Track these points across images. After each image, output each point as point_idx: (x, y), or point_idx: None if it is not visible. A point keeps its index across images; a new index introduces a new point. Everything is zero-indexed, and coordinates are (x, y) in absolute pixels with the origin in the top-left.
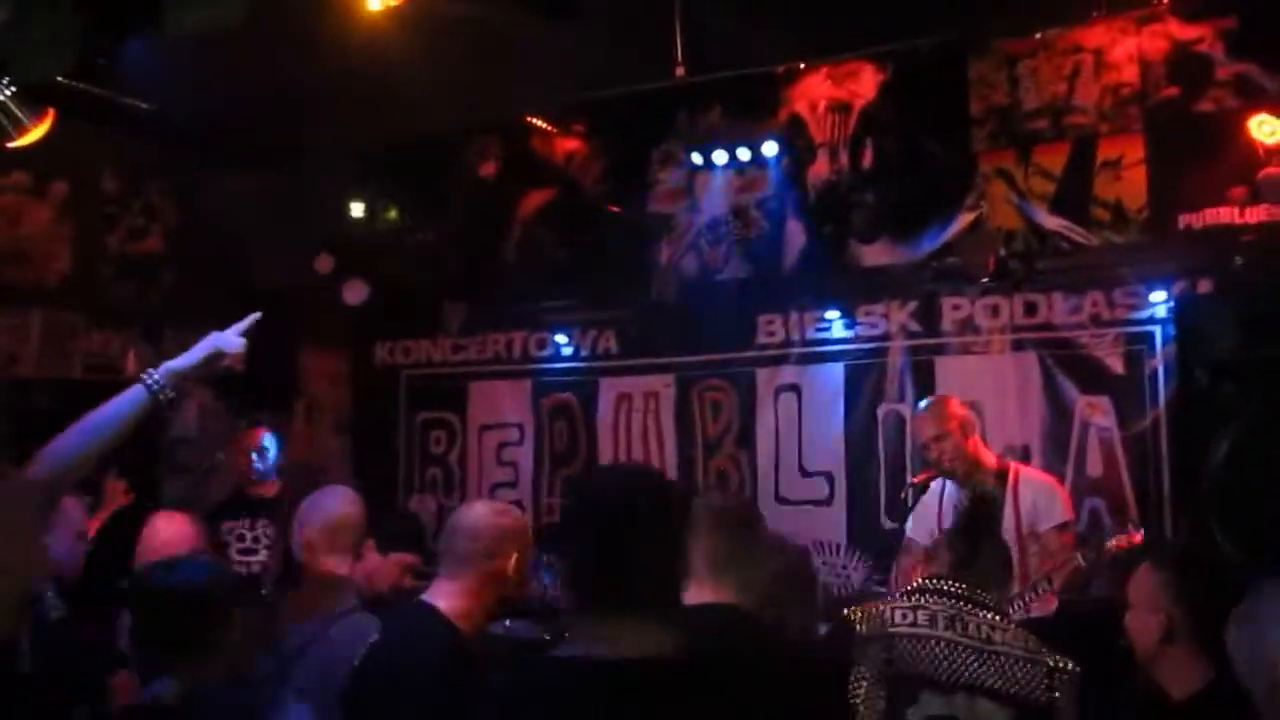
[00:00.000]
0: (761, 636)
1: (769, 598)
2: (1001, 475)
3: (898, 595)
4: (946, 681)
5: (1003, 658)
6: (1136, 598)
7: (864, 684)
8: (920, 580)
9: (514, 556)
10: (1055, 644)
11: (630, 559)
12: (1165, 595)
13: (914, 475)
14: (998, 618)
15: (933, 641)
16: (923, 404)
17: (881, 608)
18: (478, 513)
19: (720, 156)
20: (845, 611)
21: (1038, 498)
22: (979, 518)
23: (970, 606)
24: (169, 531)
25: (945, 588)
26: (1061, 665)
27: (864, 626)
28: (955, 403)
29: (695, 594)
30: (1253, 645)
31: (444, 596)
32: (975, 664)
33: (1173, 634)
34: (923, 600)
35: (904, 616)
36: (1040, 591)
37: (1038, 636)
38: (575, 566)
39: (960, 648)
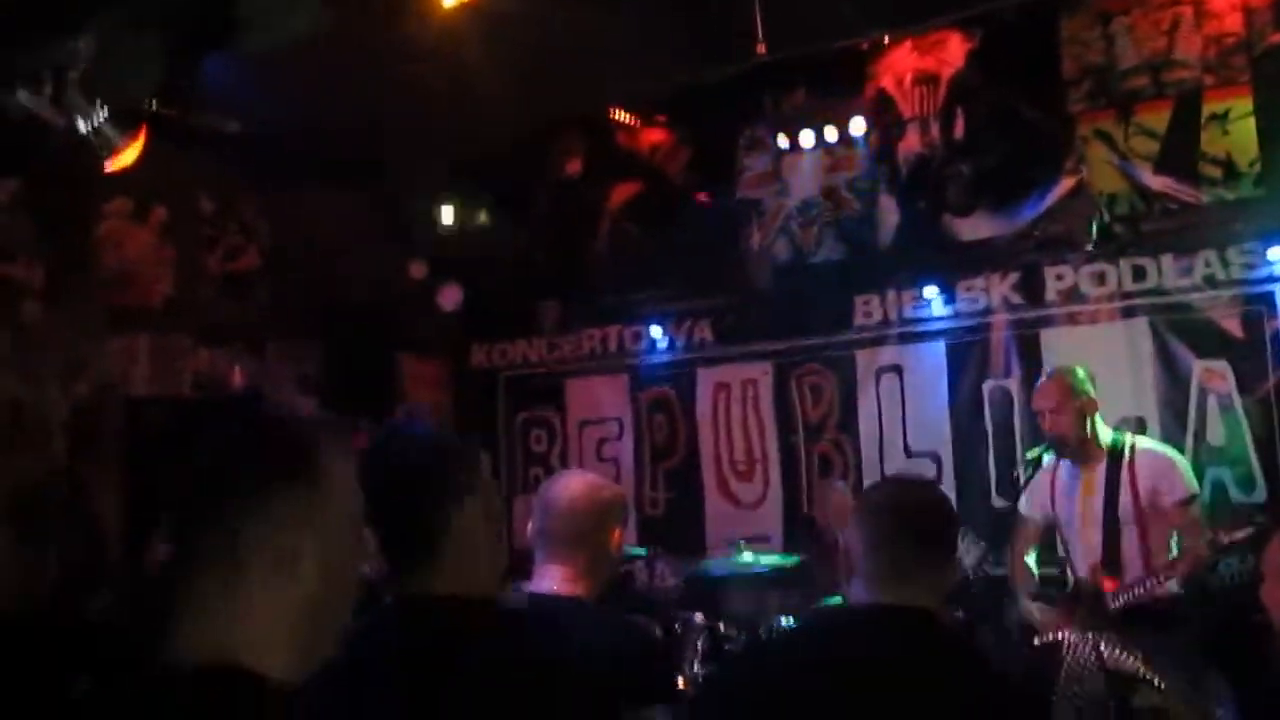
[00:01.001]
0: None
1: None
2: (1117, 449)
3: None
4: None
5: None
6: (1271, 569)
7: None
8: None
9: (617, 531)
10: (1184, 624)
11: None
12: None
13: (1025, 448)
14: None
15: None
16: (1047, 372)
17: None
18: (574, 489)
19: (807, 138)
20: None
21: (1156, 472)
22: None
23: None
24: None
25: None
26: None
27: None
28: (1079, 374)
29: (870, 591)
30: None
31: (558, 582)
32: None
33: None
34: None
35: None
36: (1163, 580)
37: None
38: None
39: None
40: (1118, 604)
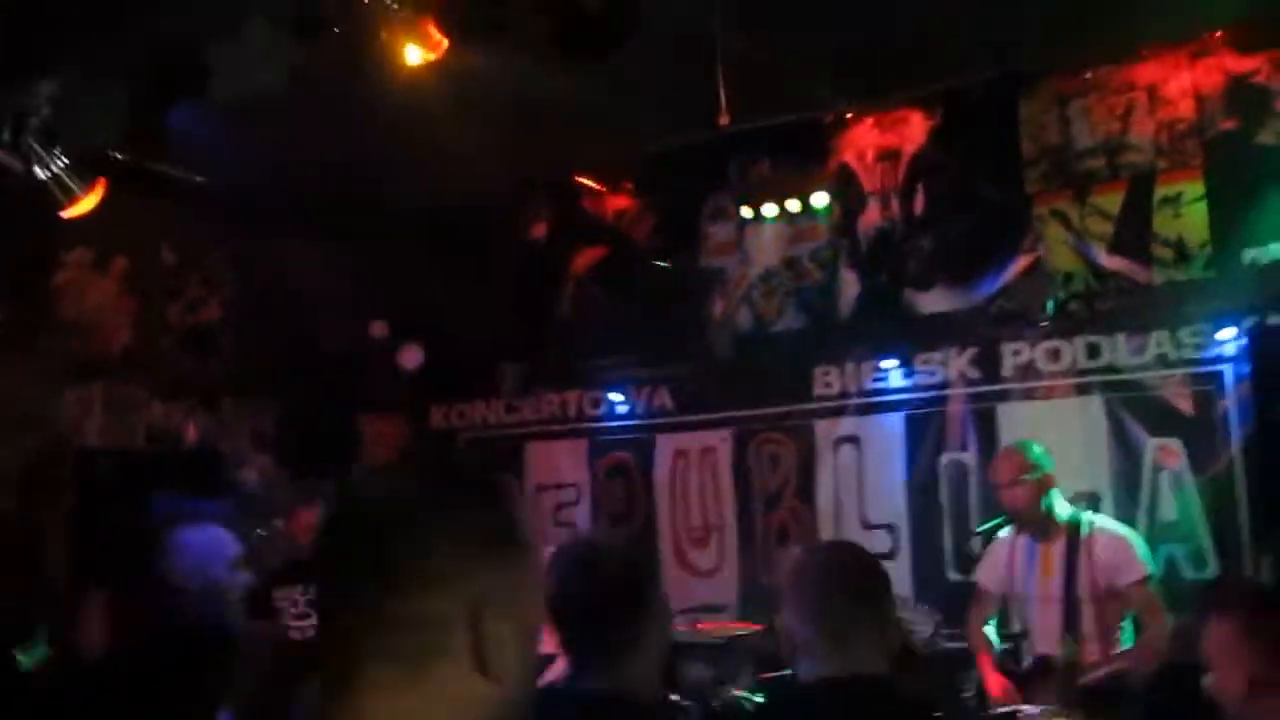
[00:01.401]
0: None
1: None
2: (1075, 527)
3: None
4: None
5: None
6: (1213, 654)
7: None
8: None
9: None
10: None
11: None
12: (1243, 642)
13: (979, 522)
14: None
15: None
16: (1004, 446)
17: None
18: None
19: (770, 209)
20: None
21: (1113, 552)
22: None
23: None
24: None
25: None
26: None
27: None
28: (1035, 449)
29: (815, 663)
30: None
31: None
32: None
33: (1255, 684)
34: None
35: None
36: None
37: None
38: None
39: None
40: (1084, 682)
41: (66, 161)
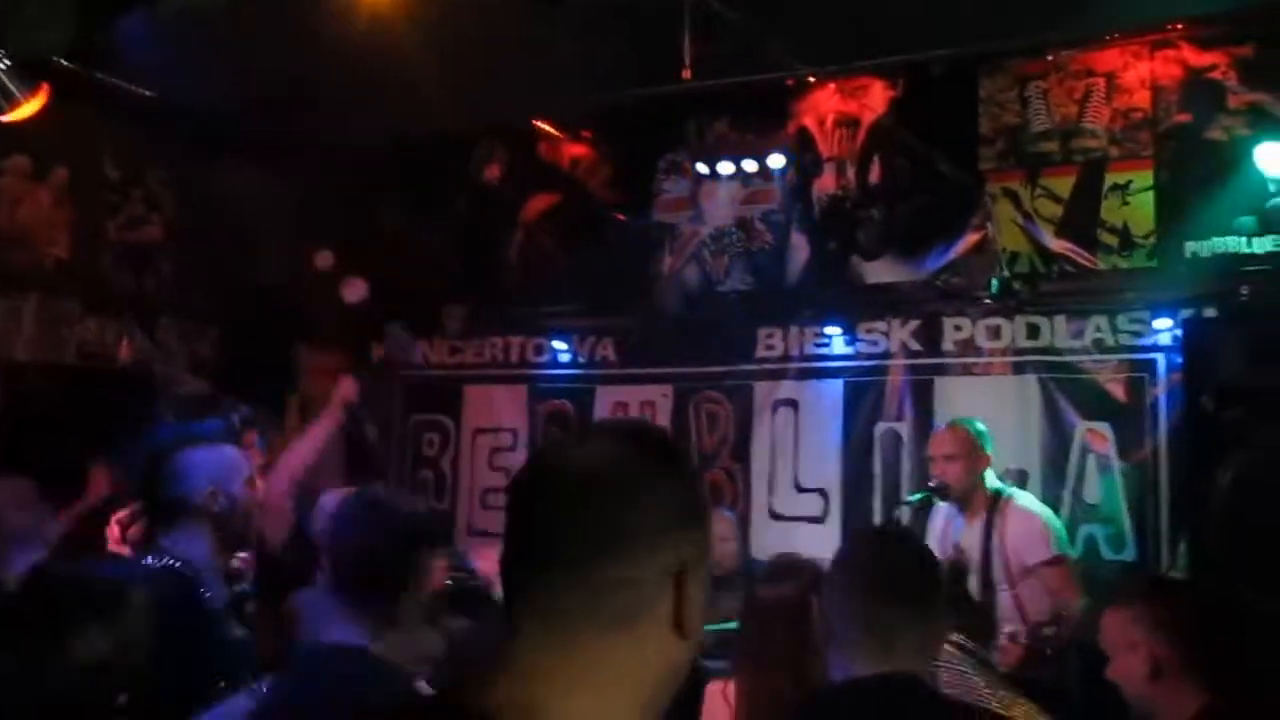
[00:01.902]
0: None
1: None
2: (993, 504)
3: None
4: None
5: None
6: (1111, 643)
7: None
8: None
9: None
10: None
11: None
12: (1139, 629)
13: (910, 491)
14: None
15: None
16: (948, 420)
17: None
18: None
19: (726, 167)
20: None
21: (1023, 532)
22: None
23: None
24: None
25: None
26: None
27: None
28: (979, 428)
29: (854, 665)
30: None
31: None
32: None
33: (1159, 668)
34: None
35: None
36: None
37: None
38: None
39: None
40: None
41: (9, 64)
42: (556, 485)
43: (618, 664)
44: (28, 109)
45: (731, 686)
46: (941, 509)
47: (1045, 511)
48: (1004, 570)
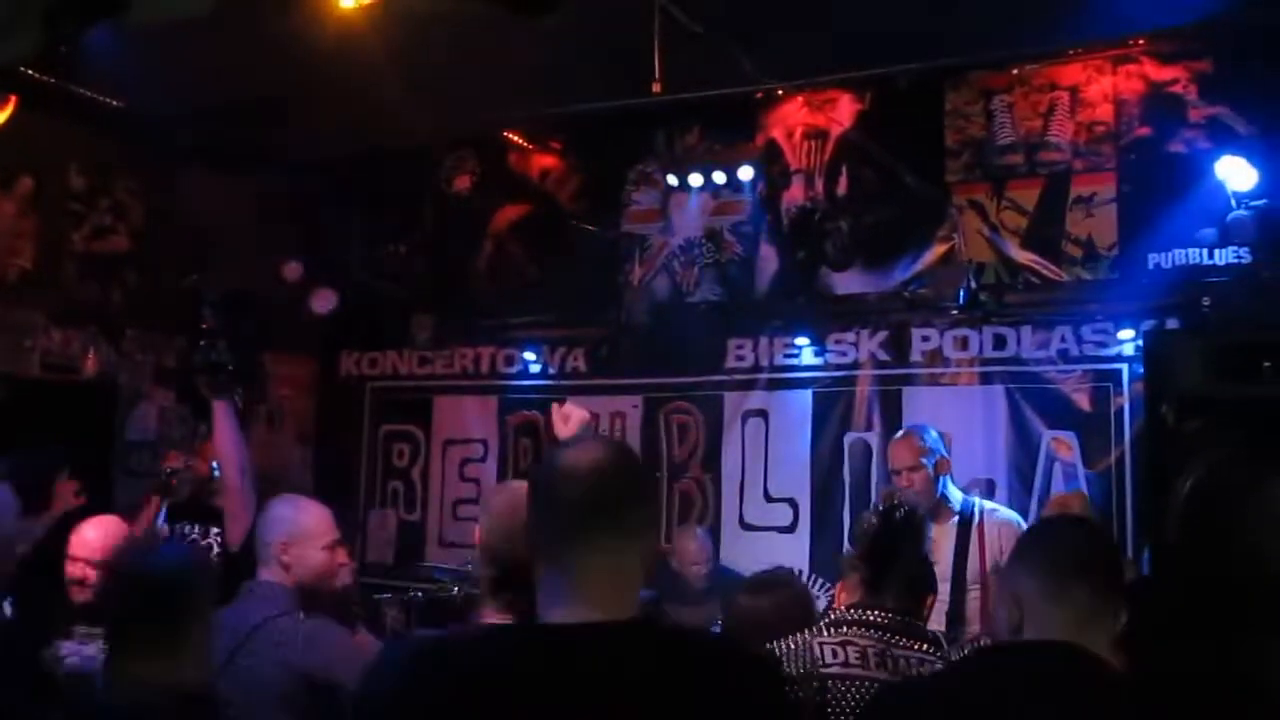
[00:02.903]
0: None
1: None
2: (967, 512)
3: (821, 628)
4: None
5: None
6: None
7: None
8: (841, 609)
9: None
10: None
11: None
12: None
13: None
14: (927, 647)
15: (866, 683)
16: (901, 431)
17: (808, 640)
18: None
19: (696, 179)
20: (768, 646)
21: (1004, 537)
22: (886, 533)
23: (898, 638)
24: (96, 535)
25: (869, 618)
26: None
27: (792, 665)
28: (931, 434)
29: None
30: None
31: None
32: None
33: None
34: (849, 633)
35: (834, 654)
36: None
37: None
38: None
39: None
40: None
41: None
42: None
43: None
44: None
45: None
46: None
47: (1020, 519)
48: (979, 573)
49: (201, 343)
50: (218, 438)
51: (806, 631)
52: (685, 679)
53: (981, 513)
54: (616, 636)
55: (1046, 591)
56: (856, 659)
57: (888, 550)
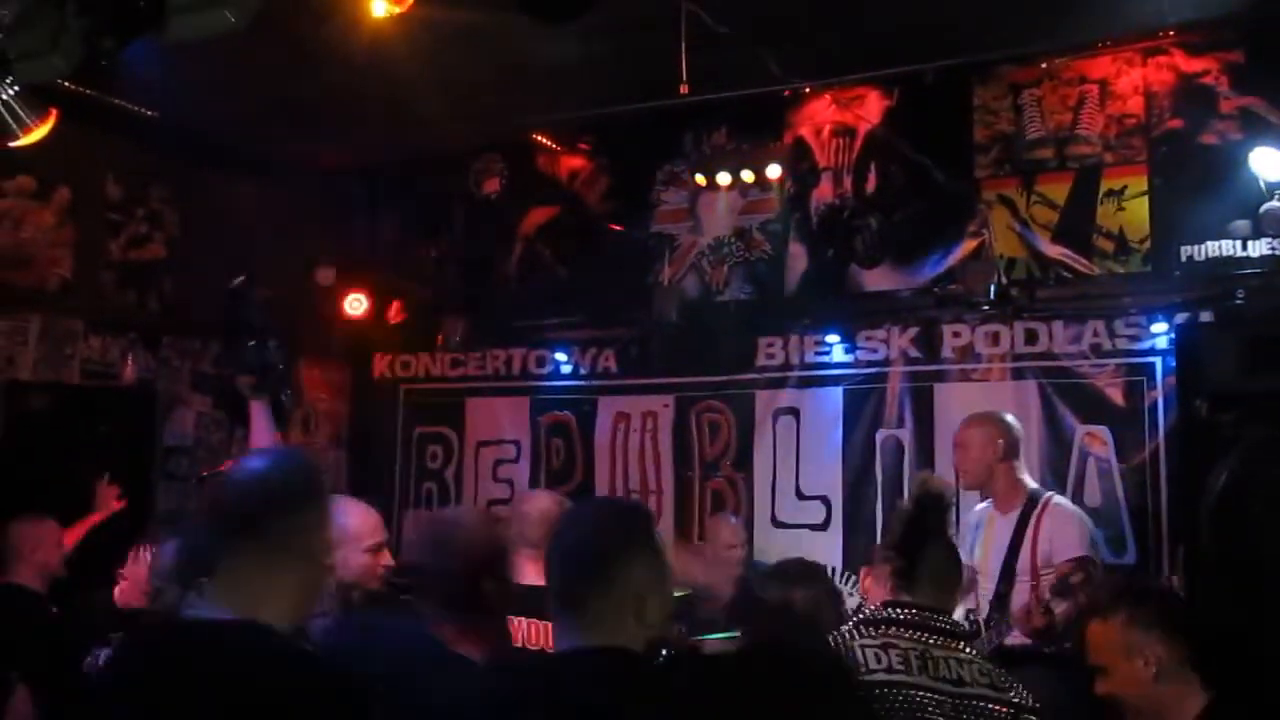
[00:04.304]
0: None
1: None
2: (1032, 501)
3: (861, 628)
4: None
5: (975, 705)
6: (1103, 654)
7: None
8: (877, 606)
9: None
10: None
11: None
12: (1135, 633)
13: None
14: (962, 645)
15: (911, 691)
16: (945, 418)
17: (848, 642)
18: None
19: (724, 178)
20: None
21: (1059, 527)
22: (917, 521)
23: (935, 638)
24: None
25: (905, 616)
26: (1025, 703)
27: None
28: (993, 420)
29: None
30: None
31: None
32: (952, 716)
33: (1161, 670)
34: (890, 635)
35: (877, 659)
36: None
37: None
38: None
39: (939, 698)
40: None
41: (18, 89)
42: None
43: None
44: (38, 134)
45: None
46: (975, 503)
47: (1082, 514)
48: (1029, 563)
49: (251, 343)
50: (257, 438)
51: (846, 631)
52: (252, 682)
53: (1046, 504)
54: (228, 634)
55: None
56: (900, 663)
57: (920, 539)
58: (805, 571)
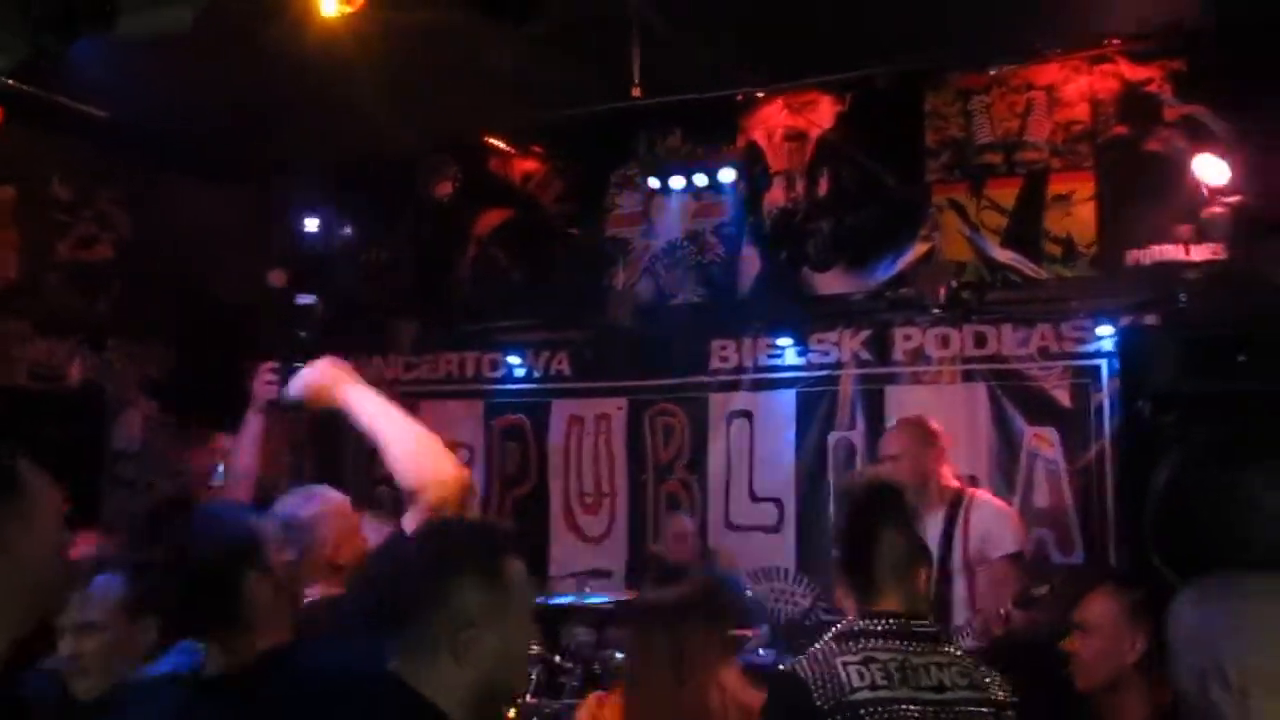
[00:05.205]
0: None
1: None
2: (956, 499)
3: (839, 642)
4: None
5: (957, 711)
6: (1093, 624)
7: None
8: (852, 619)
9: None
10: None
11: None
12: (1132, 622)
13: None
14: (940, 647)
15: (895, 706)
16: (893, 421)
17: (829, 660)
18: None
19: (678, 181)
20: (792, 668)
21: (990, 524)
22: (858, 514)
23: (914, 644)
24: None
25: (883, 627)
26: (1004, 699)
27: (820, 696)
28: (920, 425)
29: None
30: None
31: None
32: None
33: (1146, 661)
34: (870, 648)
35: (860, 676)
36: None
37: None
38: None
39: (922, 709)
40: None
41: None
42: None
43: None
44: None
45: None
46: None
47: (1008, 508)
48: (962, 561)
49: (300, 364)
50: (247, 448)
51: (823, 648)
52: None
53: (970, 500)
54: None
55: None
56: (883, 679)
57: (864, 533)
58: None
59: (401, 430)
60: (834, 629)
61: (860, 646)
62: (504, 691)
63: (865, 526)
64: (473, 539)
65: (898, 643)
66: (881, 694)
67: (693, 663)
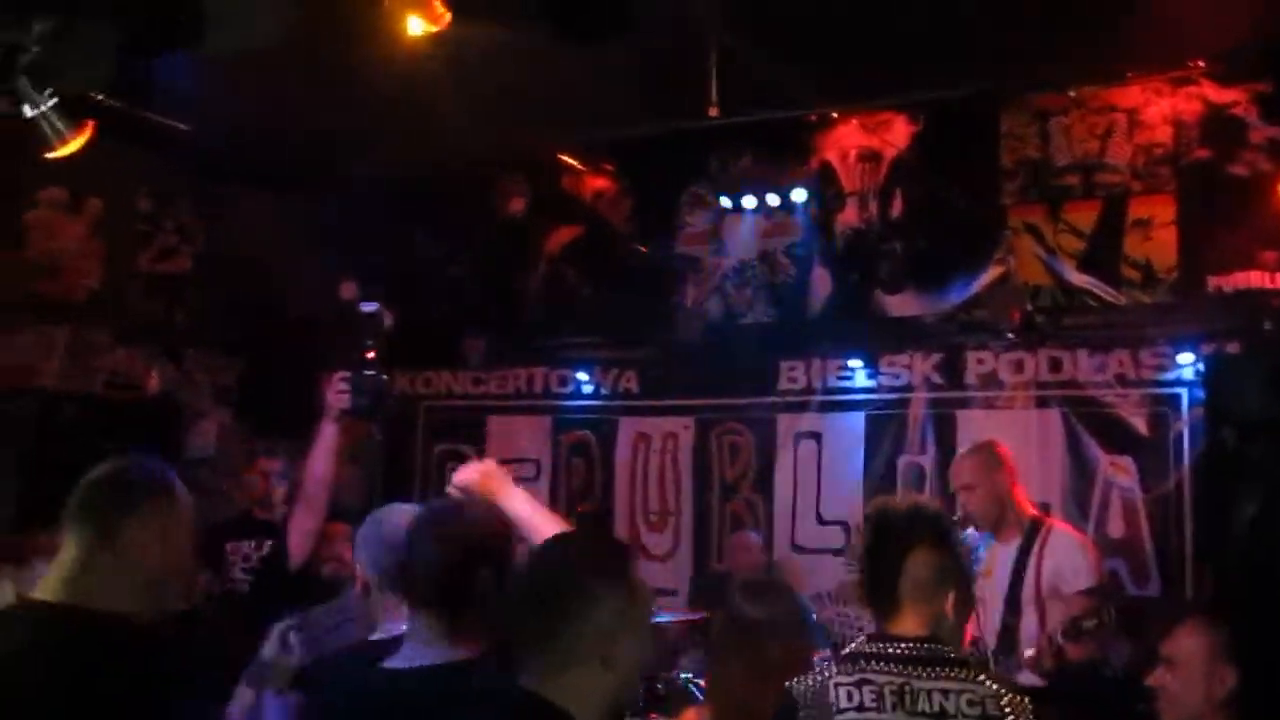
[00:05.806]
0: None
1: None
2: (1034, 528)
3: (838, 664)
4: None
5: None
6: (1182, 659)
7: None
8: (861, 641)
9: None
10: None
11: None
12: (1221, 659)
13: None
14: (955, 673)
15: None
16: (964, 447)
17: (824, 681)
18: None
19: (749, 201)
20: (787, 684)
21: (1066, 556)
22: (873, 540)
23: (921, 669)
24: None
25: (888, 650)
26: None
27: (807, 714)
28: (989, 449)
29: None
30: None
31: None
32: None
33: (1229, 699)
34: (868, 670)
35: (849, 697)
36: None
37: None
38: None
39: None
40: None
41: (55, 101)
42: None
43: None
44: (73, 145)
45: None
46: (970, 534)
47: (1087, 540)
48: (1034, 592)
49: (374, 373)
50: (323, 457)
51: (822, 668)
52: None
53: (1049, 530)
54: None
55: None
56: (872, 701)
57: (875, 558)
58: (771, 585)
59: (551, 527)
60: (843, 650)
61: (858, 668)
62: (632, 699)
63: (886, 547)
64: (606, 550)
65: (903, 667)
66: (868, 716)
67: (779, 678)
